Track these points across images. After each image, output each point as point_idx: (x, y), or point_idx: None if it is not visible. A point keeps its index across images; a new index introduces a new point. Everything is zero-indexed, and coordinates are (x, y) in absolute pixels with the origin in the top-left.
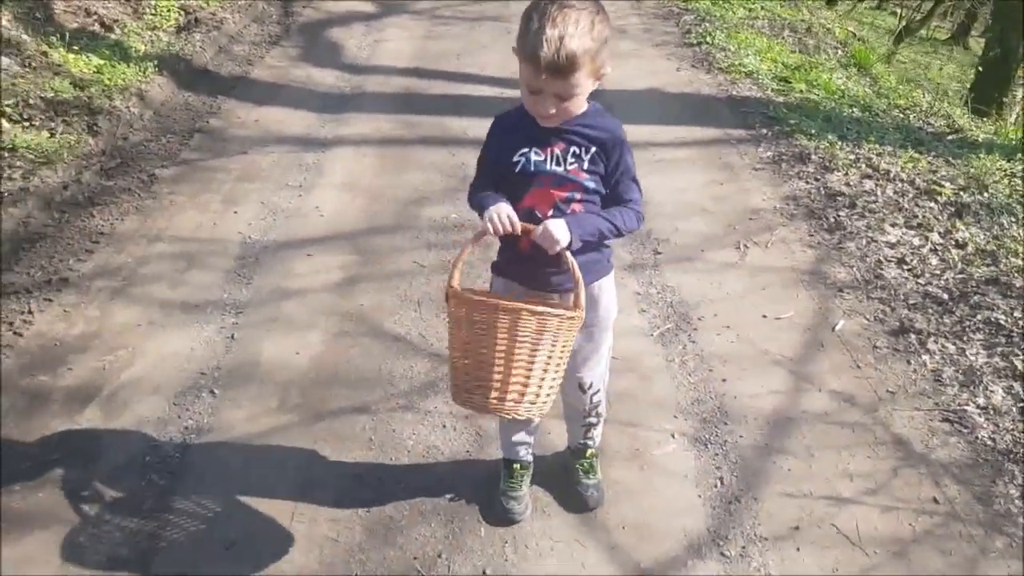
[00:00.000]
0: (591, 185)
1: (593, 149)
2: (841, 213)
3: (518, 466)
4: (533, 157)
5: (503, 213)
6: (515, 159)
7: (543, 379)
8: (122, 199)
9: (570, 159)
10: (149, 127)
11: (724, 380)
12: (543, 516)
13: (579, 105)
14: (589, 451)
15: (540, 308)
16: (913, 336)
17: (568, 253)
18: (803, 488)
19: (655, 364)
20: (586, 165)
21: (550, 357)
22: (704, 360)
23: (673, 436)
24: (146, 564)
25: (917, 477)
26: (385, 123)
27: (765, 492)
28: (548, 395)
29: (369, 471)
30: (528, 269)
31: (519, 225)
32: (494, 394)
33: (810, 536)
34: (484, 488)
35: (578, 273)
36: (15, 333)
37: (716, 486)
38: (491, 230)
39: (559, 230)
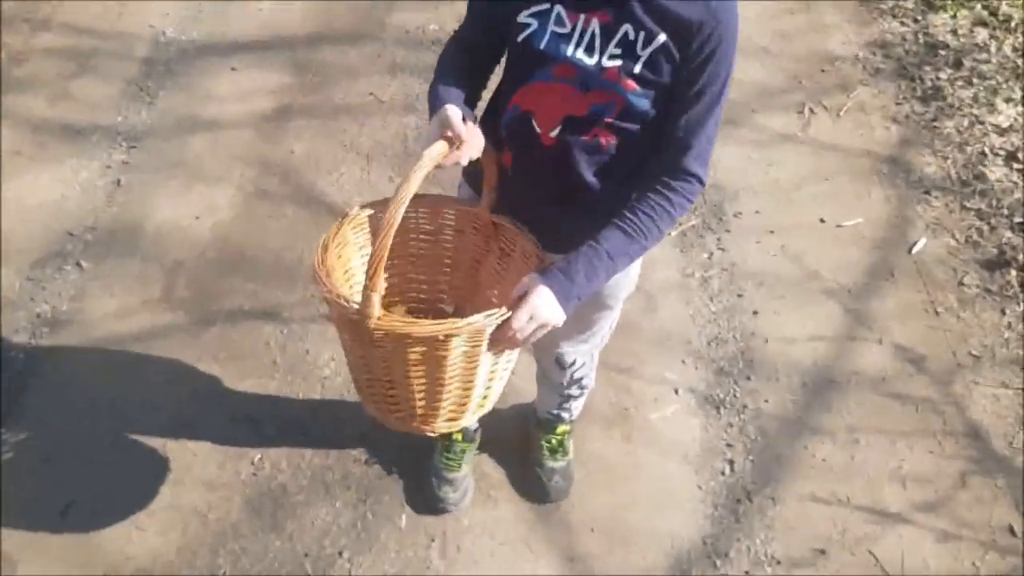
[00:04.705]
0: (639, 104)
1: (661, 38)
2: (941, 75)
3: (459, 436)
4: (552, 26)
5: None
6: (522, 20)
7: (487, 387)
8: None
9: (613, 47)
10: None
11: (756, 313)
12: (488, 504)
13: None
14: (560, 427)
15: (468, 324)
16: (1014, 272)
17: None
18: (839, 491)
19: (667, 278)
20: (638, 66)
21: (493, 368)
22: (733, 278)
23: (677, 392)
24: None
25: (992, 492)
26: None
27: (787, 490)
28: (492, 397)
29: (265, 412)
30: (513, 198)
31: (463, 149)
32: (419, 416)
33: (838, 563)
34: (416, 455)
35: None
36: None
37: (724, 473)
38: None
39: (549, 309)
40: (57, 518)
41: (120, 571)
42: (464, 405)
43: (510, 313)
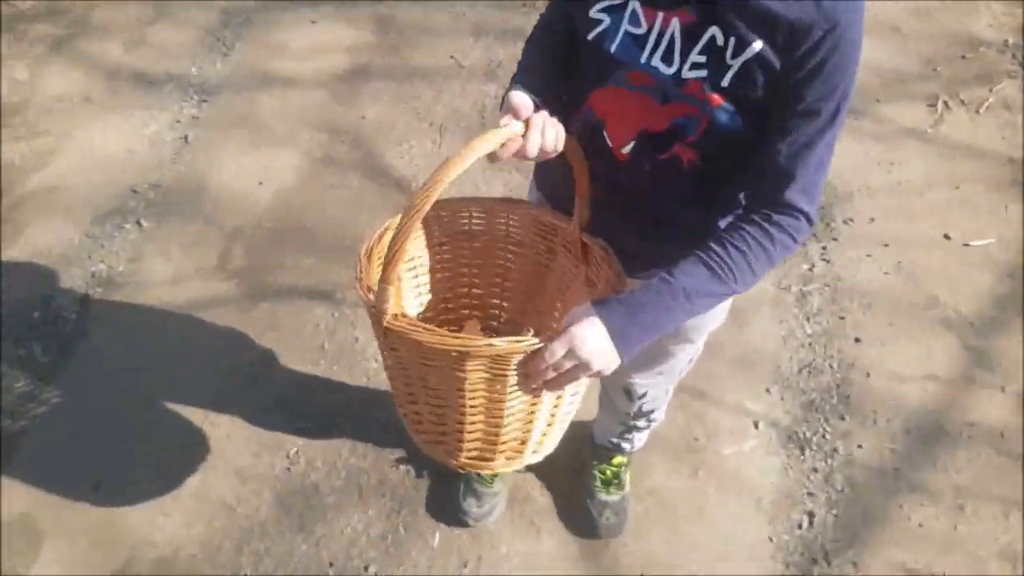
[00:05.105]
0: (728, 122)
1: (757, 46)
2: None
3: None
4: (625, 25)
5: (537, 129)
6: (594, 15)
7: (522, 431)
8: None
9: (696, 55)
10: None
11: (858, 340)
12: (530, 532)
13: None
14: (618, 457)
15: (487, 344)
16: None
17: None
18: (935, 564)
19: (759, 289)
20: (727, 79)
21: (532, 410)
22: (837, 296)
23: (757, 425)
24: None
25: None
26: None
27: (873, 556)
28: (533, 446)
29: (306, 400)
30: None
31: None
32: (440, 443)
33: None
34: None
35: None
36: None
37: (801, 525)
38: (504, 148)
39: (596, 347)
40: (89, 492)
41: (141, 558)
42: (492, 445)
43: (542, 344)
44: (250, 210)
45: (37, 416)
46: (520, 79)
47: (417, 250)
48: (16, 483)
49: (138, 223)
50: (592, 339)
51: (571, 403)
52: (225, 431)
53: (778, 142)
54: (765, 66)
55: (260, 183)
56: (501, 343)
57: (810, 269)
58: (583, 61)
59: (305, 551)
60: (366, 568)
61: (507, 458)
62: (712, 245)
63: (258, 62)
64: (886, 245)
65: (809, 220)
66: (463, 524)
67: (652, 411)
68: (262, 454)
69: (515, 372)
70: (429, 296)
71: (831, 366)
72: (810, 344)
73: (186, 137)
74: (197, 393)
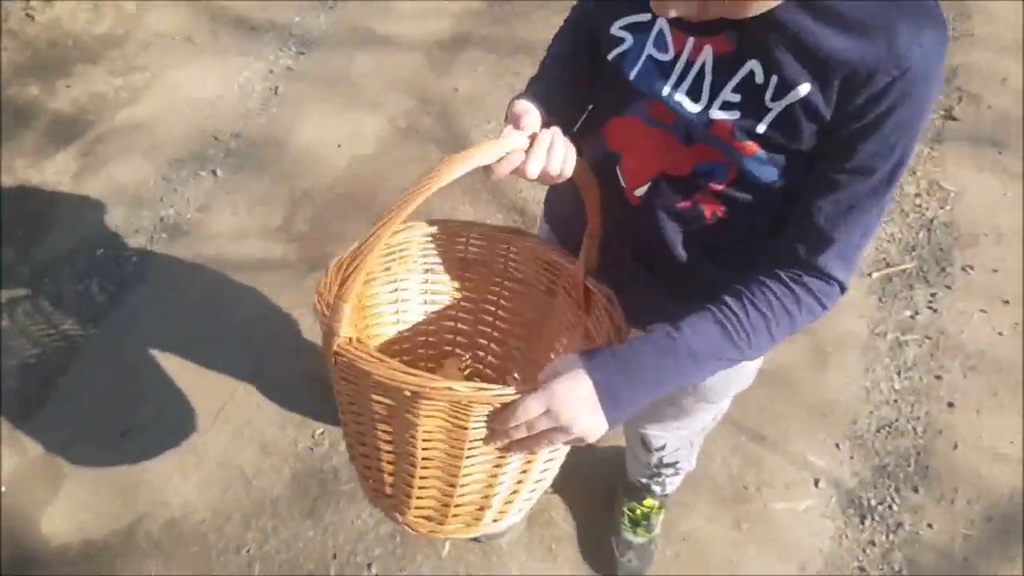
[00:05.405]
0: (762, 174)
1: (804, 88)
2: None
3: None
4: (650, 48)
5: (542, 146)
6: (615, 33)
7: (482, 494)
8: None
9: (729, 92)
10: None
11: (952, 405)
12: (546, 558)
13: None
14: (649, 499)
15: (445, 387)
16: None
17: None
18: None
19: (850, 330)
20: (764, 124)
21: (496, 471)
22: (937, 352)
23: (817, 483)
24: (31, 410)
25: None
26: None
27: None
28: (493, 516)
29: None
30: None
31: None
32: (387, 495)
33: None
34: None
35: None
36: (28, 15)
37: None
38: (496, 169)
39: (580, 408)
40: (116, 438)
41: (153, 516)
42: (445, 507)
43: (516, 395)
44: (324, 173)
45: (81, 355)
46: (534, 85)
47: (402, 273)
48: (49, 420)
49: (213, 172)
50: (576, 400)
51: (544, 468)
52: (257, 400)
53: (819, 199)
54: (812, 113)
55: (339, 146)
56: (464, 388)
57: (912, 316)
58: (602, 80)
59: (311, 537)
60: (369, 566)
61: (463, 523)
62: (729, 302)
63: (361, 19)
64: (1006, 302)
65: (842, 288)
66: (475, 539)
67: (676, 462)
68: (288, 428)
69: (479, 425)
70: (410, 327)
71: (915, 429)
72: (895, 401)
73: (276, 88)
74: (238, 356)
